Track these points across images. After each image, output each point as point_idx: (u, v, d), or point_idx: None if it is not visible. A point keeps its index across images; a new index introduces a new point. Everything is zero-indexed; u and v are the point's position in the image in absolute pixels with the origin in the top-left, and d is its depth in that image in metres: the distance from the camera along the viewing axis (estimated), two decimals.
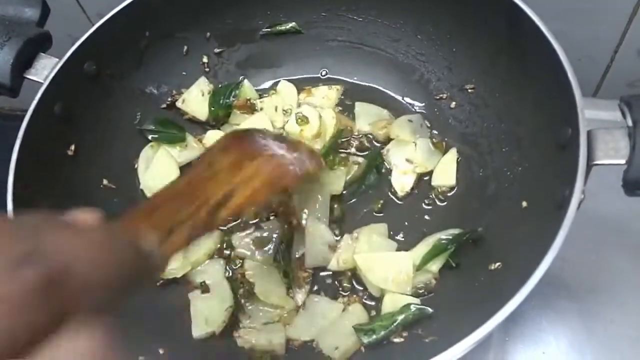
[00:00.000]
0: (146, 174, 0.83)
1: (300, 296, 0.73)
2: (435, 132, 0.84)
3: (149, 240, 0.36)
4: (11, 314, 0.24)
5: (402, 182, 0.80)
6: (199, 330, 0.71)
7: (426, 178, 0.81)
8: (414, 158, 0.80)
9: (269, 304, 0.72)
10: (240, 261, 0.77)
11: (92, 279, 0.28)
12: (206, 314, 0.72)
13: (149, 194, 0.83)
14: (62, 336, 0.25)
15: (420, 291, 0.71)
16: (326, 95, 0.90)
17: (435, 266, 0.71)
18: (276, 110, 0.88)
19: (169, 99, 0.89)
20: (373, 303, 0.72)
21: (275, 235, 0.76)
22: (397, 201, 0.80)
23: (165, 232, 0.42)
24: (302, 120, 0.84)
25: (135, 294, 0.33)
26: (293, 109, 0.88)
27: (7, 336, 0.24)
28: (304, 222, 0.75)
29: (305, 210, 0.76)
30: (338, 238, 0.76)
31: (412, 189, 0.80)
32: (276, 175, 0.60)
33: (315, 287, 0.75)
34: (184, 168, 0.85)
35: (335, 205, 0.79)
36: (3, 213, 0.30)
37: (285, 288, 0.73)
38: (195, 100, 0.88)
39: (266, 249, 0.76)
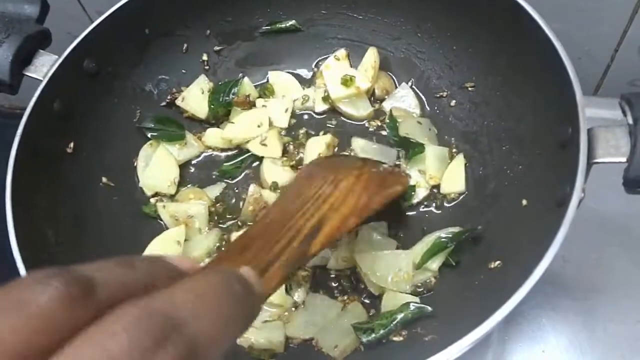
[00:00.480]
0: (145, 172, 0.83)
1: (299, 294, 0.73)
2: (435, 130, 0.84)
3: (250, 277, 0.33)
4: None
5: (415, 194, 0.79)
6: None
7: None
8: (427, 169, 0.79)
9: (267, 302, 0.72)
10: None
11: (218, 337, 0.26)
12: None
13: (148, 192, 0.83)
14: None
15: (420, 290, 0.71)
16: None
17: (434, 265, 0.70)
18: (283, 97, 0.89)
19: (169, 97, 0.89)
20: (372, 301, 0.72)
21: None
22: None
23: (261, 268, 0.40)
24: (349, 80, 0.84)
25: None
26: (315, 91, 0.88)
27: None
28: None
29: None
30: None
31: (423, 199, 0.79)
32: (362, 201, 0.58)
33: (315, 286, 0.74)
34: (183, 166, 0.85)
35: None
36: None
37: (283, 286, 0.73)
38: (195, 98, 0.88)
39: None
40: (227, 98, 0.87)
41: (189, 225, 0.78)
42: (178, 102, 0.88)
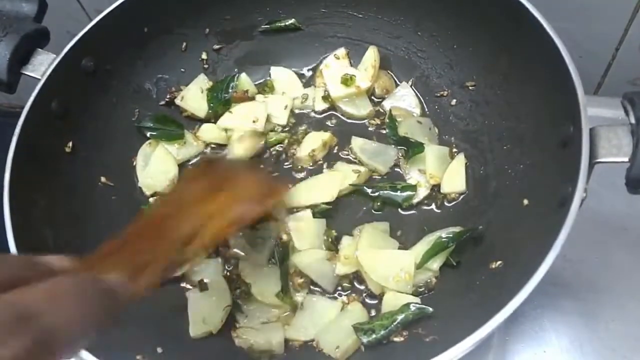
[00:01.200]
0: (144, 172, 0.82)
1: (298, 297, 0.73)
2: (436, 130, 0.83)
3: (113, 279, 0.38)
4: None
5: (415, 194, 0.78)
6: (196, 329, 0.70)
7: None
8: (427, 168, 0.79)
9: (266, 304, 0.72)
10: (236, 260, 0.76)
11: (73, 329, 0.29)
12: (204, 313, 0.71)
13: (147, 191, 0.82)
14: None
15: (421, 289, 0.70)
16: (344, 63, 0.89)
17: (435, 264, 0.70)
18: (283, 94, 0.88)
19: (168, 96, 0.88)
20: (373, 302, 0.72)
21: (271, 236, 0.75)
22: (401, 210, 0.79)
23: (133, 270, 0.42)
24: (349, 79, 0.84)
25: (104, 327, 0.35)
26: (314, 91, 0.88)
27: None
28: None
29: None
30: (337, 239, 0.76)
31: (423, 199, 0.78)
32: (242, 210, 0.59)
33: (315, 286, 0.74)
34: (182, 165, 0.85)
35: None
36: None
37: (282, 287, 0.72)
38: (194, 97, 0.87)
39: (261, 249, 0.75)
40: (226, 95, 0.87)
41: None
42: (177, 101, 0.88)
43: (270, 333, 0.69)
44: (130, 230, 0.49)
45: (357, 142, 0.83)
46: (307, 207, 0.77)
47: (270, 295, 0.72)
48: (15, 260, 0.31)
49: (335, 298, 0.73)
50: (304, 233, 0.75)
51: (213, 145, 0.87)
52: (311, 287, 0.74)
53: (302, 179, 0.82)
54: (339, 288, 0.73)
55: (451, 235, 0.70)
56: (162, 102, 0.88)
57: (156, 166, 0.82)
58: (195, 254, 0.52)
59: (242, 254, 0.75)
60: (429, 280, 0.71)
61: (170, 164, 0.83)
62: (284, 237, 0.75)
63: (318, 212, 0.77)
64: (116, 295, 0.36)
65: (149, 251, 0.46)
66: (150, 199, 0.82)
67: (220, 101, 0.86)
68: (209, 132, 0.86)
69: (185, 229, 0.51)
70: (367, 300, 0.72)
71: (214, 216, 0.55)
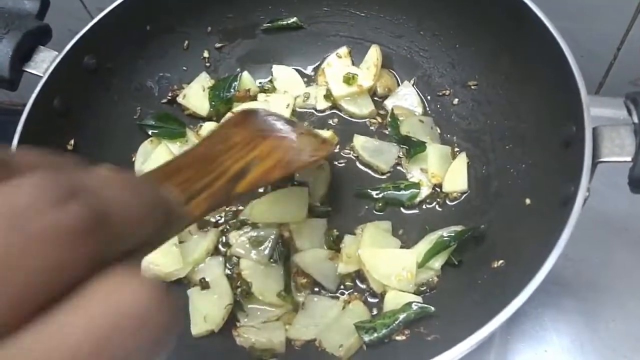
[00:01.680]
0: (142, 168, 0.82)
1: (299, 296, 0.72)
2: (438, 129, 0.83)
3: (174, 195, 0.35)
4: (50, 251, 0.21)
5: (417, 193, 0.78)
6: (197, 328, 0.70)
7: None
8: (429, 167, 0.79)
9: (266, 303, 0.72)
10: (237, 259, 0.76)
11: (130, 220, 0.25)
12: (205, 311, 0.71)
13: None
14: (100, 288, 0.22)
15: (423, 289, 0.70)
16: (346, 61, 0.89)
17: (437, 263, 0.70)
18: (285, 93, 0.88)
19: (170, 94, 0.88)
20: (375, 301, 0.72)
21: (272, 235, 0.75)
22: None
23: (187, 195, 0.43)
24: (351, 78, 0.84)
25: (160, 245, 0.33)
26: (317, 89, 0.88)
27: (44, 277, 0.20)
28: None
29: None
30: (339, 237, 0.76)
31: (425, 198, 0.78)
32: (288, 157, 0.61)
33: (317, 285, 0.74)
34: None
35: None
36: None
37: (284, 286, 0.72)
38: (196, 95, 0.87)
39: (262, 248, 0.75)
40: (228, 94, 0.86)
41: None
42: (179, 99, 0.88)
43: (272, 332, 0.69)
44: (185, 157, 0.49)
45: (359, 140, 0.83)
46: (278, 224, 0.76)
47: (271, 295, 0.71)
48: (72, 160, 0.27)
49: (337, 297, 0.72)
50: (304, 233, 0.75)
51: None
52: (314, 287, 0.74)
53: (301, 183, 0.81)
54: (341, 287, 0.73)
55: (453, 234, 0.70)
56: (164, 100, 0.88)
57: (155, 164, 0.82)
58: (244, 190, 0.53)
59: (242, 252, 0.75)
60: (430, 279, 0.71)
61: None
62: (286, 234, 0.75)
63: (316, 214, 0.77)
64: (172, 210, 0.32)
65: (205, 179, 0.47)
66: None
67: (222, 100, 0.86)
68: None
69: (234, 166, 0.53)
70: (369, 299, 0.72)
71: (263, 158, 0.57)
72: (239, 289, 0.73)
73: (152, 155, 0.82)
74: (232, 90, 0.87)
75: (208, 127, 0.87)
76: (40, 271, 0.20)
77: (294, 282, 0.73)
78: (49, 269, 0.21)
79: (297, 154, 0.64)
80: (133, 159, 0.84)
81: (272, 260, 0.74)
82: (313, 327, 0.69)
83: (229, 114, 0.86)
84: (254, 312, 0.72)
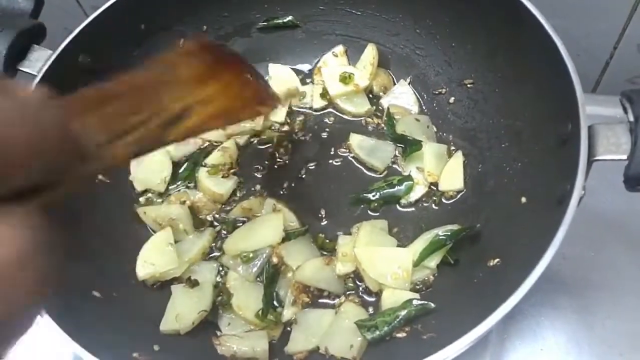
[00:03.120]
0: (139, 166, 0.82)
1: (287, 313, 0.71)
2: (434, 128, 0.83)
3: (92, 131, 0.32)
4: None
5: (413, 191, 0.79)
6: (166, 324, 0.70)
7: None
8: (425, 166, 0.79)
9: (243, 318, 0.71)
10: (227, 269, 0.75)
11: (12, 156, 0.23)
12: (179, 310, 0.70)
13: (138, 186, 0.82)
14: None
15: (419, 287, 0.70)
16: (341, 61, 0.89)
17: (433, 262, 0.70)
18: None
19: None
20: (371, 300, 0.72)
21: (264, 254, 0.74)
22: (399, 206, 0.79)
23: (110, 133, 0.36)
24: (347, 77, 0.84)
25: (72, 190, 0.30)
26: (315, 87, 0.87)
27: None
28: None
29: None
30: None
31: (421, 197, 0.78)
32: (234, 107, 0.52)
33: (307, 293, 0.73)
34: (178, 163, 0.84)
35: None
36: None
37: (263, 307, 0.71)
38: None
39: (251, 265, 0.73)
40: None
41: (174, 227, 0.77)
42: None
43: (255, 341, 0.68)
44: (117, 85, 0.41)
45: (355, 139, 0.83)
46: (255, 250, 0.74)
47: (249, 312, 0.70)
48: None
49: (328, 305, 0.72)
50: (293, 251, 0.74)
51: (209, 143, 0.86)
52: (319, 300, 0.73)
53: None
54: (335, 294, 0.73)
55: (449, 233, 0.70)
56: None
57: (151, 162, 0.82)
58: (177, 138, 0.44)
59: (232, 264, 0.74)
60: (426, 278, 0.71)
61: (165, 162, 0.82)
62: (275, 260, 0.73)
63: (294, 235, 0.76)
64: (84, 149, 0.29)
65: (136, 116, 0.39)
66: (140, 199, 0.82)
67: None
68: None
69: (173, 106, 0.44)
70: (366, 297, 0.72)
71: (206, 102, 0.48)
72: (220, 297, 0.72)
73: (146, 158, 0.82)
74: None
75: None
76: None
77: (294, 300, 0.71)
78: None
79: (242, 105, 0.54)
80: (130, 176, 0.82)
81: (258, 279, 0.73)
82: (311, 337, 0.68)
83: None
84: (236, 321, 0.71)
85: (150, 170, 0.82)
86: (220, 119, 0.49)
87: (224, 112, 0.50)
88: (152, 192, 0.82)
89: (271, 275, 0.73)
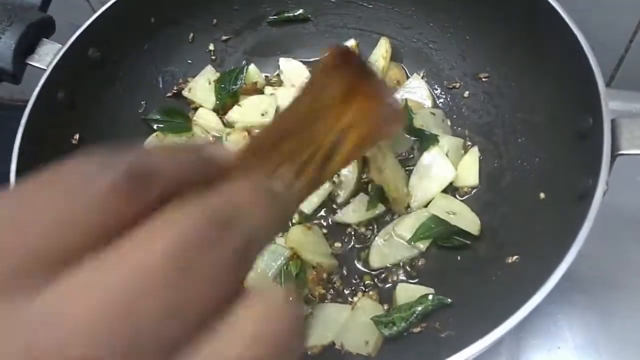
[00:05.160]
0: None
1: (304, 308, 0.69)
2: (449, 122, 0.82)
3: (284, 177, 0.31)
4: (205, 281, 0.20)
5: None
6: None
7: None
8: None
9: None
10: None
11: (266, 234, 0.25)
12: None
13: None
14: (246, 315, 0.22)
15: (432, 280, 0.69)
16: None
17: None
18: (292, 86, 0.86)
19: (175, 88, 0.87)
20: (383, 296, 0.70)
21: (283, 254, 0.71)
22: None
23: (294, 171, 0.35)
24: None
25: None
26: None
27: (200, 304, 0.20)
28: None
29: None
30: None
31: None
32: (377, 124, 0.52)
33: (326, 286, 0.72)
34: None
35: None
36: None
37: None
38: (202, 88, 0.86)
39: (270, 265, 0.71)
40: (234, 87, 0.85)
41: None
42: (184, 92, 0.86)
43: None
44: (277, 126, 0.39)
45: None
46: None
47: None
48: (189, 157, 0.25)
49: (346, 301, 0.71)
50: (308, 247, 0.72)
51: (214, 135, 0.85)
52: (330, 292, 0.72)
53: None
54: (352, 288, 0.71)
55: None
56: (169, 94, 0.87)
57: None
58: (340, 167, 0.44)
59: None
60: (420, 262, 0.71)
61: None
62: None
63: None
64: (284, 200, 0.30)
65: (302, 153, 0.37)
66: None
67: (229, 93, 0.85)
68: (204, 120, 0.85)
69: (330, 133, 0.40)
70: (381, 286, 0.71)
71: (350, 126, 0.47)
72: None
73: None
74: (238, 83, 0.85)
75: (202, 114, 0.84)
76: (198, 299, 0.20)
77: (310, 293, 0.70)
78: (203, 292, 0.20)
79: (381, 124, 0.54)
80: None
81: (276, 280, 0.71)
82: (327, 331, 0.67)
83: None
84: None
85: None
86: (369, 140, 0.47)
87: (368, 135, 0.47)
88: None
89: (287, 278, 0.71)
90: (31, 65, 0.71)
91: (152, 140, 0.82)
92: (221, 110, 0.86)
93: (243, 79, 0.85)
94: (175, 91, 0.87)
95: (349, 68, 0.50)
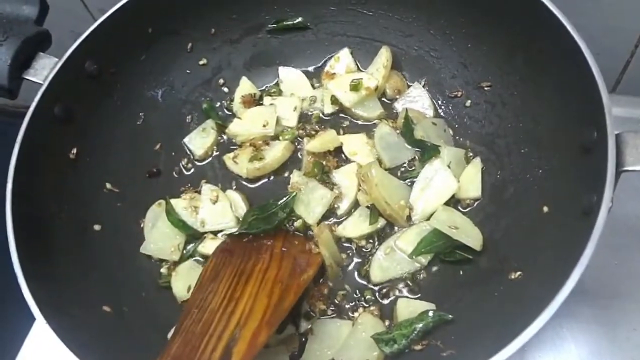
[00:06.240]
0: (150, 235, 0.77)
1: (303, 325, 0.69)
2: (451, 132, 0.81)
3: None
4: None
5: None
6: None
7: None
8: None
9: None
10: None
11: None
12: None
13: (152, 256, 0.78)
14: None
15: (434, 297, 0.68)
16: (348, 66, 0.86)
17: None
18: (291, 95, 0.86)
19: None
20: (384, 312, 0.69)
21: None
22: None
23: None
24: (358, 84, 0.81)
25: None
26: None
27: None
28: None
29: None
30: None
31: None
32: (277, 296, 0.58)
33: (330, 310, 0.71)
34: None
35: None
36: None
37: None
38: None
39: None
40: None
41: None
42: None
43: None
44: (180, 335, 0.51)
45: (382, 129, 0.80)
46: None
47: None
48: None
49: (346, 317, 0.70)
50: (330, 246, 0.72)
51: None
52: (331, 308, 0.71)
53: None
54: (353, 303, 0.71)
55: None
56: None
57: (162, 230, 0.77)
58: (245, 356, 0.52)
59: None
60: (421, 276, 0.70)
61: (177, 230, 0.77)
62: None
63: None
64: None
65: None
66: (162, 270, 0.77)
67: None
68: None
69: (228, 328, 0.52)
70: (382, 301, 0.70)
71: (244, 317, 0.54)
72: None
73: (159, 221, 0.77)
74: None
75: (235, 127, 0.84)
76: None
77: (310, 309, 0.70)
78: None
79: (290, 285, 0.60)
80: (142, 224, 0.79)
81: None
82: (327, 349, 0.66)
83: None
84: None
85: (161, 239, 0.77)
86: (265, 329, 0.54)
87: (264, 320, 0.55)
88: (165, 260, 0.77)
89: None
90: (27, 79, 0.71)
91: (154, 209, 0.79)
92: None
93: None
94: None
95: (236, 256, 0.64)
